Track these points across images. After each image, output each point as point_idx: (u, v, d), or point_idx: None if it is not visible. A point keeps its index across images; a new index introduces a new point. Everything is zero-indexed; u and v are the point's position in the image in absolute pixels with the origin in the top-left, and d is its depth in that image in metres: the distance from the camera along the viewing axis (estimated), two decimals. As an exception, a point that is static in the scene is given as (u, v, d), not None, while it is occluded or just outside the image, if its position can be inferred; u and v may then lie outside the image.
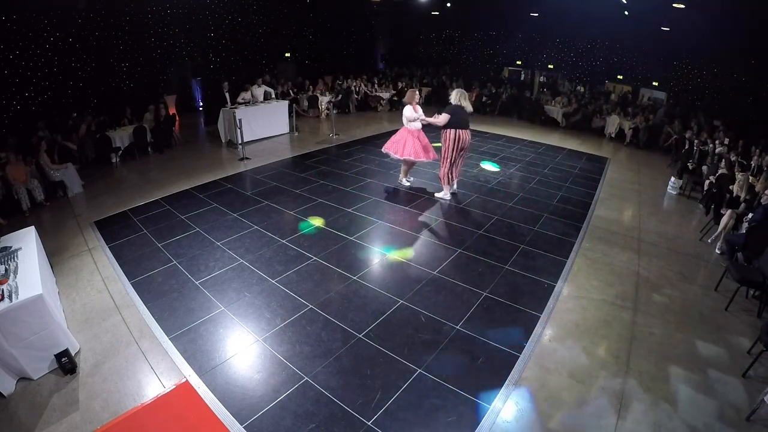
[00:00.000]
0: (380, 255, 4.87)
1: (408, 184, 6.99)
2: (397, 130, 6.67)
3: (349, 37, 15.76)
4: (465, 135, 6.06)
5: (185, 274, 4.46)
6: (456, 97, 6.06)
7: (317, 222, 5.62)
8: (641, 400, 3.04)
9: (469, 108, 6.10)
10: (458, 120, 5.99)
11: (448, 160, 6.18)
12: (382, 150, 6.71)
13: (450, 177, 6.35)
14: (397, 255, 4.86)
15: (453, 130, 6.02)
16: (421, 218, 5.88)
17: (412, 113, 6.35)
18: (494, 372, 3.23)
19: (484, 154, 8.98)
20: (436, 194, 6.55)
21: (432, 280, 4.39)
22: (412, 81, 14.80)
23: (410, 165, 6.82)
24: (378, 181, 7.24)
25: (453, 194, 6.58)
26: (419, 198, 6.55)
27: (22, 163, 6.33)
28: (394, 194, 6.69)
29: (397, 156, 6.48)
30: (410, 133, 6.40)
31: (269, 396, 2.98)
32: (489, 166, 8.24)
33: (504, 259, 4.83)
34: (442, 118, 6.02)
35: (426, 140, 6.50)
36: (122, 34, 10.09)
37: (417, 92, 6.64)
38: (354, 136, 10.23)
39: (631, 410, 2.95)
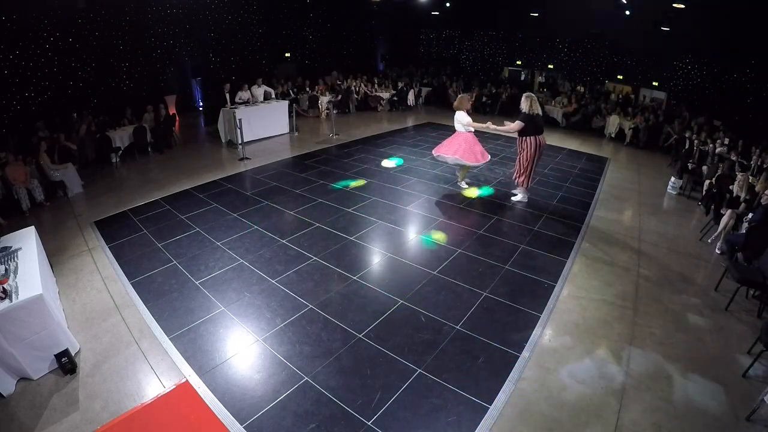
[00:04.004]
0: (382, 255, 4.88)
1: (466, 187, 7.00)
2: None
3: (349, 37, 15.76)
4: (541, 140, 6.09)
5: (185, 274, 4.47)
6: (527, 105, 6.01)
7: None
8: (641, 400, 3.04)
9: (539, 111, 6.10)
10: (534, 127, 6.01)
11: (529, 166, 6.16)
12: (433, 153, 6.76)
13: (528, 181, 6.32)
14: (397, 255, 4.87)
15: (532, 138, 6.02)
16: (421, 218, 5.88)
17: (466, 117, 6.44)
18: (494, 372, 3.23)
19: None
20: (513, 198, 6.56)
21: (432, 280, 4.39)
22: (412, 81, 14.79)
23: (465, 168, 6.93)
24: (378, 181, 7.24)
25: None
26: (419, 198, 6.56)
27: (22, 163, 6.33)
28: (394, 194, 6.68)
29: (449, 156, 6.48)
30: (464, 138, 6.46)
31: (269, 396, 2.98)
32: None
33: (504, 259, 4.83)
34: (514, 126, 6.04)
35: (479, 144, 6.54)
36: (122, 34, 10.09)
37: (469, 98, 6.71)
38: (354, 136, 10.22)
39: (631, 410, 2.95)
